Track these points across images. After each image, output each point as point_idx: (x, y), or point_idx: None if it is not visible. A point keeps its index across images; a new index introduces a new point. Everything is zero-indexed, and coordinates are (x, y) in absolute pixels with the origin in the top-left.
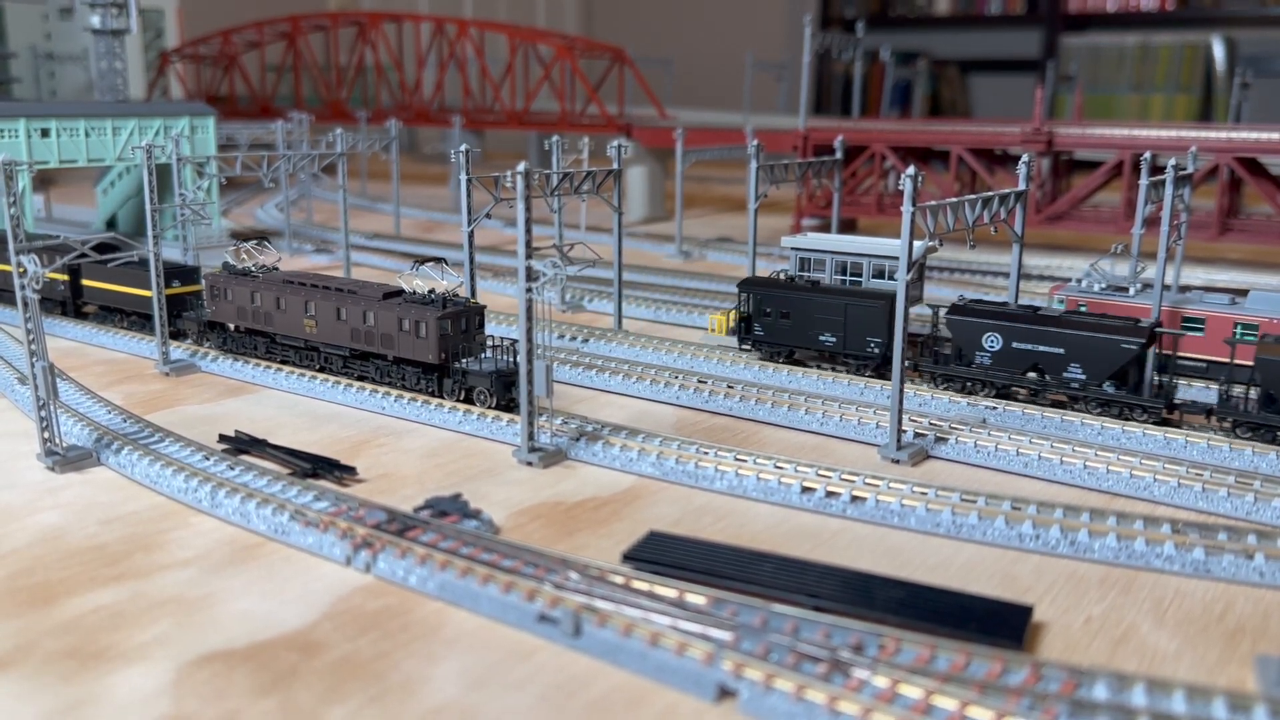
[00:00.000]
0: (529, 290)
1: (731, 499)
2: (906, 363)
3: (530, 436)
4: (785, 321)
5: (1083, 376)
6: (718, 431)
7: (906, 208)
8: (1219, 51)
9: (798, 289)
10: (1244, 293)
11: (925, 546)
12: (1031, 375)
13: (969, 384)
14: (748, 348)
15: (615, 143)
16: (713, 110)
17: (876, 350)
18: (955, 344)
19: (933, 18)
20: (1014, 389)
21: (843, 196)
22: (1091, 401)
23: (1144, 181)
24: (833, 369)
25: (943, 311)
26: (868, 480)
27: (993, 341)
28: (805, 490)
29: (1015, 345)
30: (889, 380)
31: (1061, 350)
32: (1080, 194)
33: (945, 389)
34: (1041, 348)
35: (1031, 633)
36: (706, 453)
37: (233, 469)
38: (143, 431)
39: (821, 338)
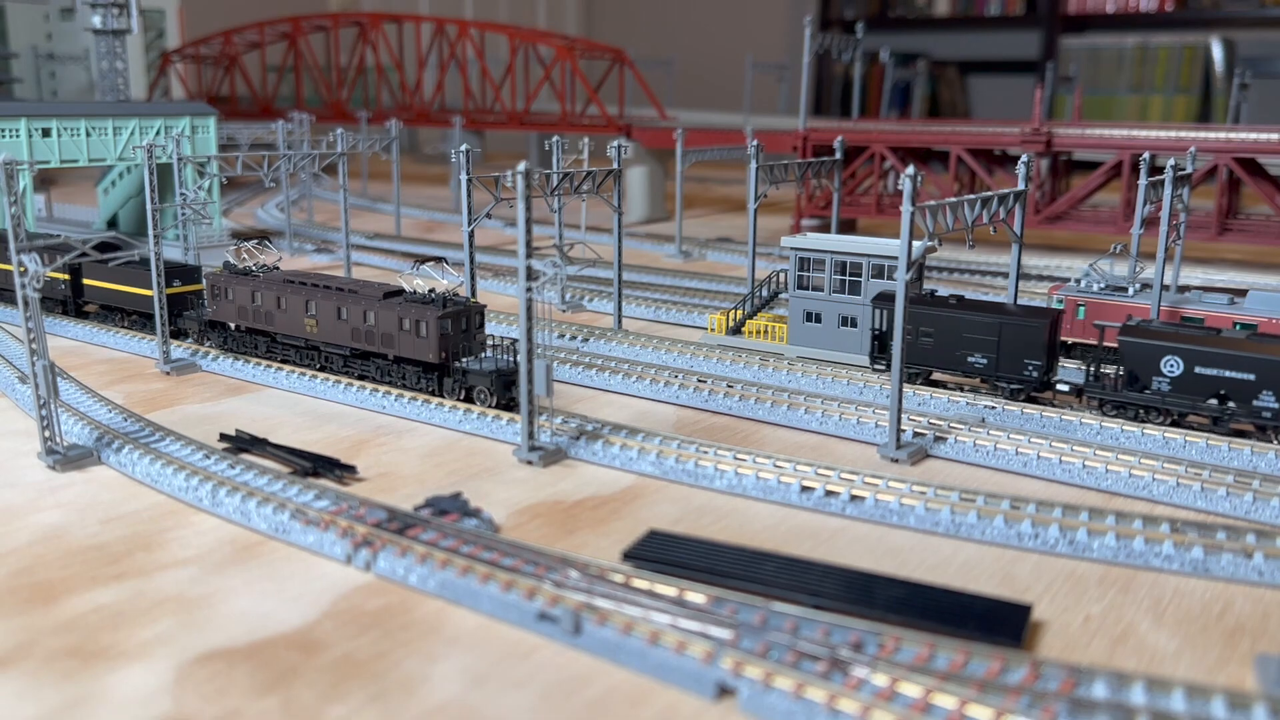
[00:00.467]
0: (529, 290)
1: (731, 498)
2: (1065, 387)
3: (530, 435)
4: (927, 340)
5: (1276, 405)
6: (717, 431)
7: (906, 208)
8: (1218, 53)
9: (943, 305)
10: (1243, 293)
11: (924, 545)
12: (1213, 403)
13: (1142, 412)
14: (881, 368)
15: (615, 143)
16: (713, 111)
17: (1035, 374)
18: (1128, 368)
19: (932, 19)
20: (1193, 417)
21: (842, 197)
22: None
23: (1143, 182)
24: (969, 391)
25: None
26: (867, 479)
27: (1172, 366)
28: (804, 489)
29: (1199, 370)
30: (1045, 405)
31: (1253, 376)
32: (1079, 194)
33: (1115, 418)
34: (1229, 373)
35: (1030, 631)
36: (706, 452)
37: (233, 468)
38: (144, 430)
39: (971, 359)
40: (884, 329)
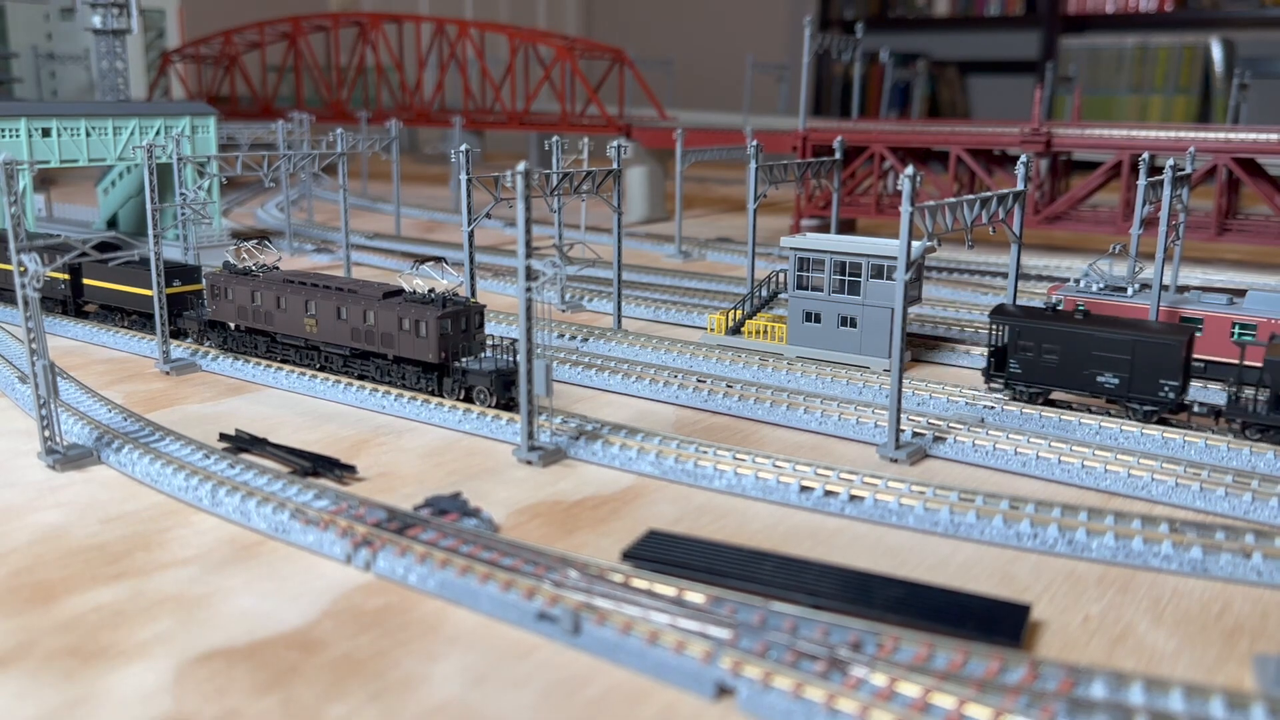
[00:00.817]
0: (529, 290)
1: (730, 498)
2: (1200, 408)
3: (530, 435)
4: (1050, 359)
5: None
6: (717, 430)
7: (905, 208)
8: (1217, 53)
9: (1069, 321)
10: (1242, 293)
11: (923, 545)
12: None
13: None
14: (998, 386)
15: (615, 143)
16: (713, 111)
17: (1170, 394)
18: (1275, 389)
19: (932, 19)
20: None
21: (842, 197)
22: None
23: (1142, 182)
24: (1089, 412)
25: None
26: (866, 479)
27: None
28: (804, 489)
29: None
30: (1181, 429)
31: None
32: (1079, 194)
33: (1261, 442)
34: None
35: (1029, 631)
36: (705, 452)
37: (233, 467)
38: (143, 430)
39: (1100, 378)
40: (1002, 345)
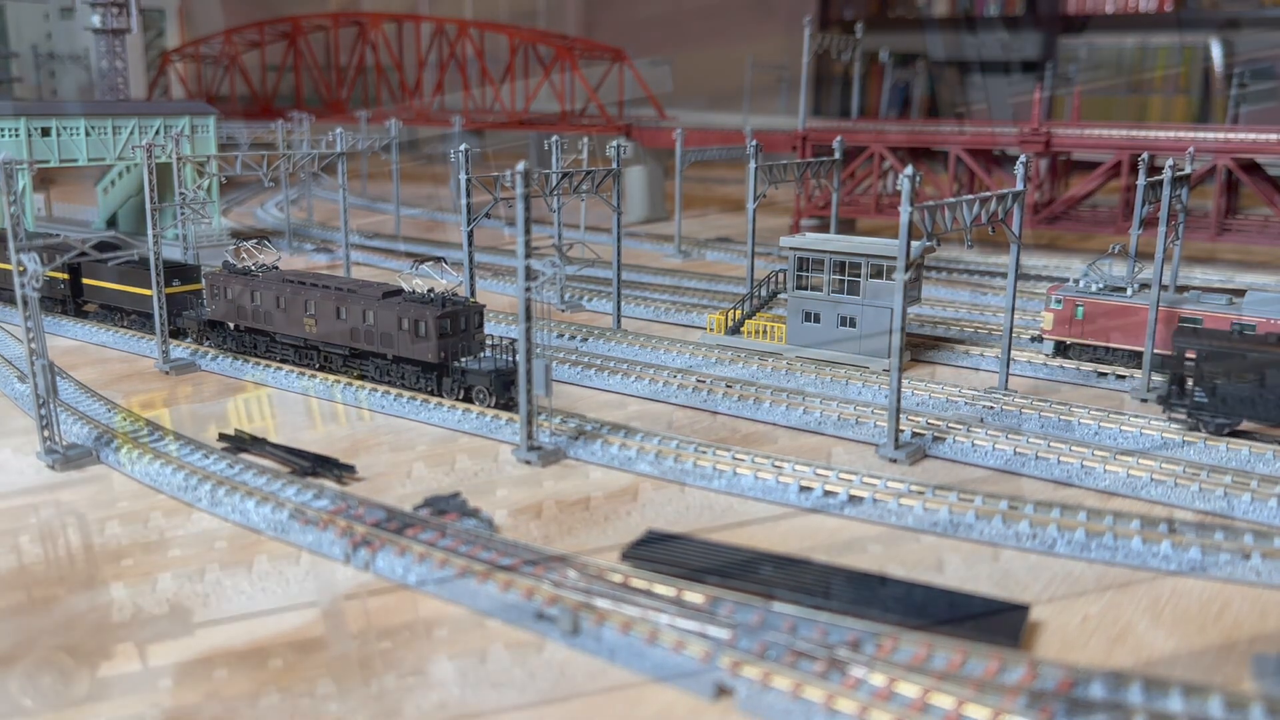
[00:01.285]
0: (528, 289)
1: (729, 497)
2: None
3: (529, 435)
4: (1243, 388)
5: None
6: (716, 430)
7: (904, 208)
8: (1217, 53)
9: (1268, 346)
10: (1241, 293)
11: (922, 545)
12: None
13: None
14: (1180, 416)
15: (614, 143)
16: (712, 111)
17: None
18: None
19: (932, 19)
20: None
21: (841, 197)
22: None
23: (1141, 182)
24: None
25: None
26: (865, 479)
27: None
28: (803, 489)
29: None
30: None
31: None
32: (1078, 194)
33: None
34: None
35: (1028, 631)
36: (705, 452)
37: (232, 467)
38: (143, 430)
39: None
40: (1187, 373)
